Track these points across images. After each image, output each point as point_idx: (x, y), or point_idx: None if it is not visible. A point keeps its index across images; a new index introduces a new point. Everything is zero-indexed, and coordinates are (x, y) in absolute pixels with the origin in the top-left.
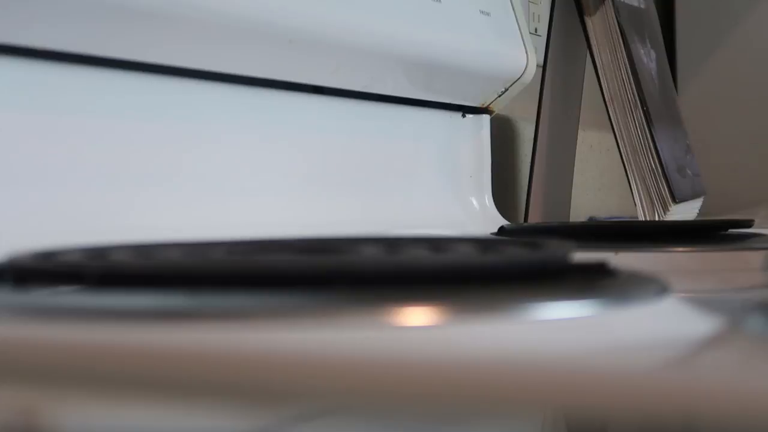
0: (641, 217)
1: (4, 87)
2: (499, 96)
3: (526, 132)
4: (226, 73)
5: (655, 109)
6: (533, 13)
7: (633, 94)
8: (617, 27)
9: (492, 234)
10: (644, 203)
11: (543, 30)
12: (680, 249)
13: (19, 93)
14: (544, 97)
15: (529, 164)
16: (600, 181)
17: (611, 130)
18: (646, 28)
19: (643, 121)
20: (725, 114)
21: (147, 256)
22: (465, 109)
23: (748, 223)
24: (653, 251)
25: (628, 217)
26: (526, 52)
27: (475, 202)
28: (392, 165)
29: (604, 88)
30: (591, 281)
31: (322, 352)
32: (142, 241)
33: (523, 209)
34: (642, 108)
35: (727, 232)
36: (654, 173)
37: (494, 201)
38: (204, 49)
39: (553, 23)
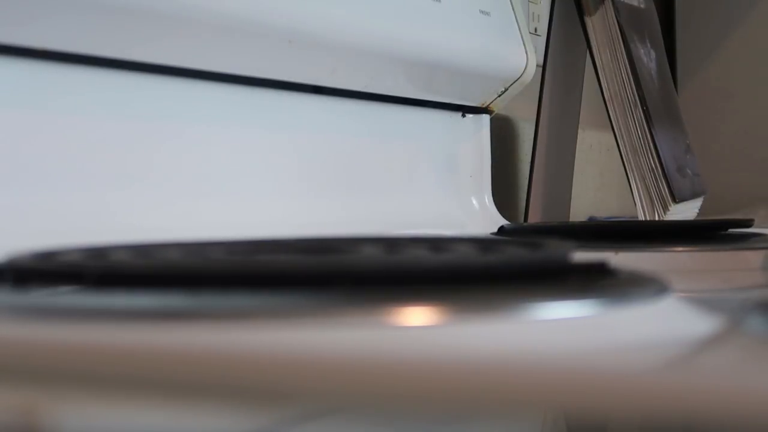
0: (641, 217)
1: (4, 87)
2: (499, 96)
3: (526, 132)
4: (226, 73)
5: (655, 109)
6: (533, 13)
7: (633, 93)
8: (617, 27)
9: (492, 234)
10: (644, 203)
11: (543, 30)
12: (680, 249)
13: (19, 93)
14: (544, 97)
15: (529, 164)
16: (600, 181)
17: (611, 130)
18: (646, 28)
19: (643, 120)
20: (725, 114)
21: (147, 256)
22: (465, 109)
23: (748, 223)
24: (653, 251)
25: (628, 217)
26: (526, 52)
27: (475, 202)
28: (392, 165)
29: (604, 88)
30: (591, 281)
31: (322, 352)
32: (142, 241)
33: (523, 209)
34: (642, 108)
35: (727, 232)
36: (654, 173)
37: (494, 201)
38: (204, 49)
39: (553, 23)
